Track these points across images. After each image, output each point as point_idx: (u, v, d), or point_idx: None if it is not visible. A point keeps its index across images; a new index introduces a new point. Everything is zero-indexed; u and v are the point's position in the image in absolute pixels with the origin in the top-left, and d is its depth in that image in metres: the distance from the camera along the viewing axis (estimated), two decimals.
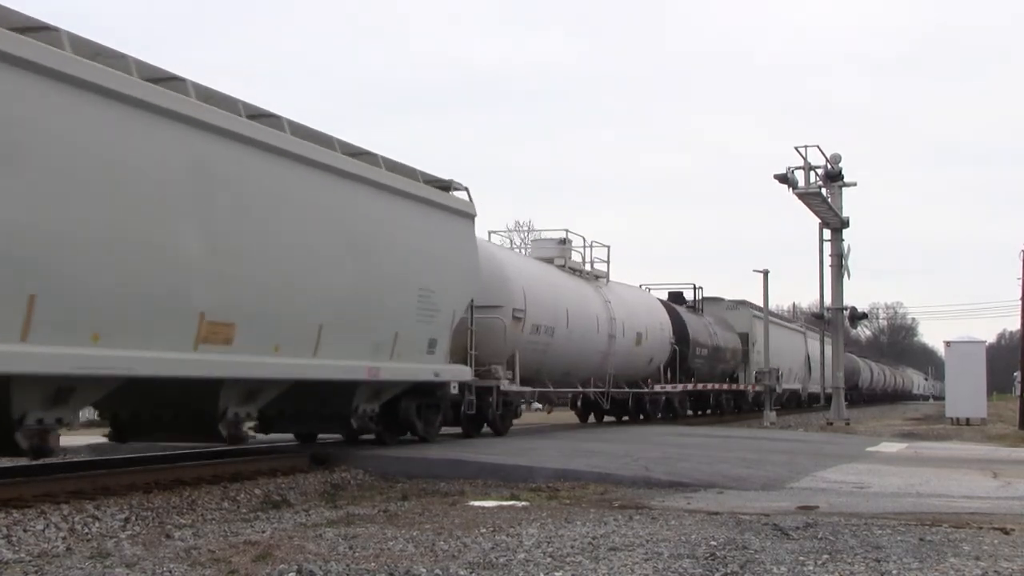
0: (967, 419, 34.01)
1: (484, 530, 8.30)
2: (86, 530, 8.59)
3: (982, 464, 15.87)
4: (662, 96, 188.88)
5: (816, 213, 33.94)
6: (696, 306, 34.95)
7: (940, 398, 72.66)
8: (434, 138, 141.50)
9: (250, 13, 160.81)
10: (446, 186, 16.41)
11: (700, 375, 32.74)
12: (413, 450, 14.92)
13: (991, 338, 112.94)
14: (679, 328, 30.61)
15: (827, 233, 34.82)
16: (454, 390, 16.52)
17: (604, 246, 26.38)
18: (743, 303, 39.94)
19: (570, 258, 24.48)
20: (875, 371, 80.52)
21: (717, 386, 35.27)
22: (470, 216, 16.95)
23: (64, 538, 8.19)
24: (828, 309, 35.37)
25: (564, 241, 24.57)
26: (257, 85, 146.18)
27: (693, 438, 20.11)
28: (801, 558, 7.04)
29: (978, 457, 17.86)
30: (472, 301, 17.23)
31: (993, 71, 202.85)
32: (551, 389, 22.43)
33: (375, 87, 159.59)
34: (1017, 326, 44.98)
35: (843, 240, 35.00)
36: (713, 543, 7.62)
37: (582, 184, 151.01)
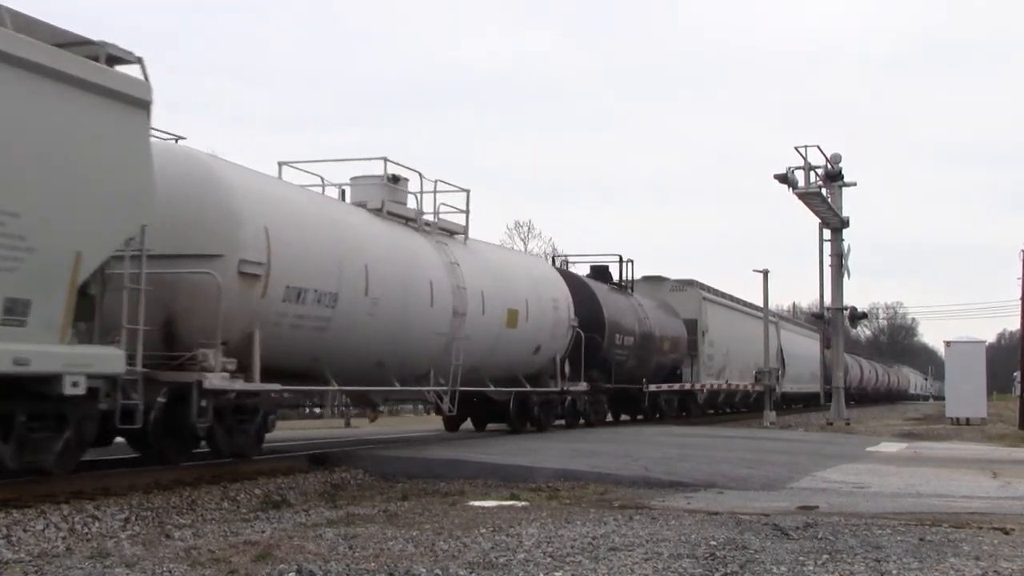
0: (967, 419, 34.02)
1: (484, 530, 8.30)
2: (86, 530, 8.59)
3: (982, 464, 15.87)
4: (662, 96, 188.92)
5: (816, 213, 33.93)
6: (624, 284, 28.33)
7: (940, 398, 72.61)
8: (434, 138, 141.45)
9: (244, 13, 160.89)
10: (95, 54, 10.35)
11: (623, 370, 26.30)
12: (413, 450, 14.92)
13: (991, 338, 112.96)
14: (590, 309, 23.59)
15: (827, 233, 34.81)
16: (75, 389, 9.72)
17: (462, 190, 18.75)
18: (691, 283, 33.50)
19: (398, 201, 16.92)
20: (866, 369, 75.90)
21: (656, 386, 28.88)
22: (139, 102, 10.51)
23: (64, 538, 8.19)
24: (828, 309, 35.36)
25: (395, 179, 16.86)
26: (256, 85, 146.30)
27: (693, 438, 20.11)
28: (801, 558, 7.04)
29: (978, 457, 17.87)
30: (139, 241, 10.69)
31: (993, 71, 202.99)
32: (335, 388, 14.58)
33: (374, 87, 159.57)
34: (1017, 326, 45.01)
35: (843, 240, 34.99)
36: (713, 543, 7.62)
37: (582, 184, 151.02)
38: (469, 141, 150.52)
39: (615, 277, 28.36)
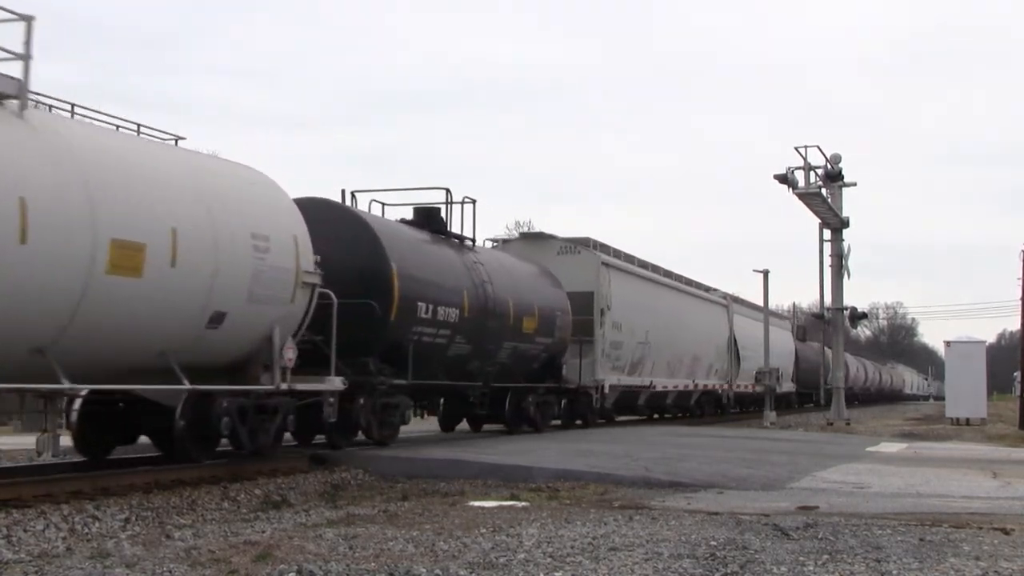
0: (967, 419, 34.03)
1: (484, 530, 8.29)
2: (86, 530, 8.59)
3: (982, 464, 15.87)
4: (662, 96, 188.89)
5: (816, 213, 33.93)
6: (461, 236, 19.12)
7: (940, 398, 72.44)
8: (433, 138, 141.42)
9: (248, 13, 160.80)
10: None
11: (440, 359, 17.29)
12: (413, 450, 14.91)
13: (991, 338, 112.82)
14: (366, 261, 15.43)
15: (827, 233, 34.81)
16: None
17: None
18: (584, 244, 24.48)
19: None
20: (853, 367, 66.61)
21: (512, 383, 19.81)
22: None
23: (64, 538, 8.19)
24: (828, 309, 35.36)
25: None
26: (256, 85, 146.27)
27: (693, 438, 20.10)
28: (801, 558, 7.04)
29: (978, 457, 17.86)
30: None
31: (994, 71, 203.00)
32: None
33: (375, 87, 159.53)
34: (1017, 326, 44.97)
35: (843, 240, 34.99)
36: (713, 543, 7.62)
37: (582, 184, 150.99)
38: (470, 140, 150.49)
39: (467, 232, 19.44)
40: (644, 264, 29.06)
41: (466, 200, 19.28)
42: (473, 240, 19.51)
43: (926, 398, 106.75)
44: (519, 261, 21.62)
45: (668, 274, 31.29)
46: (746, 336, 37.95)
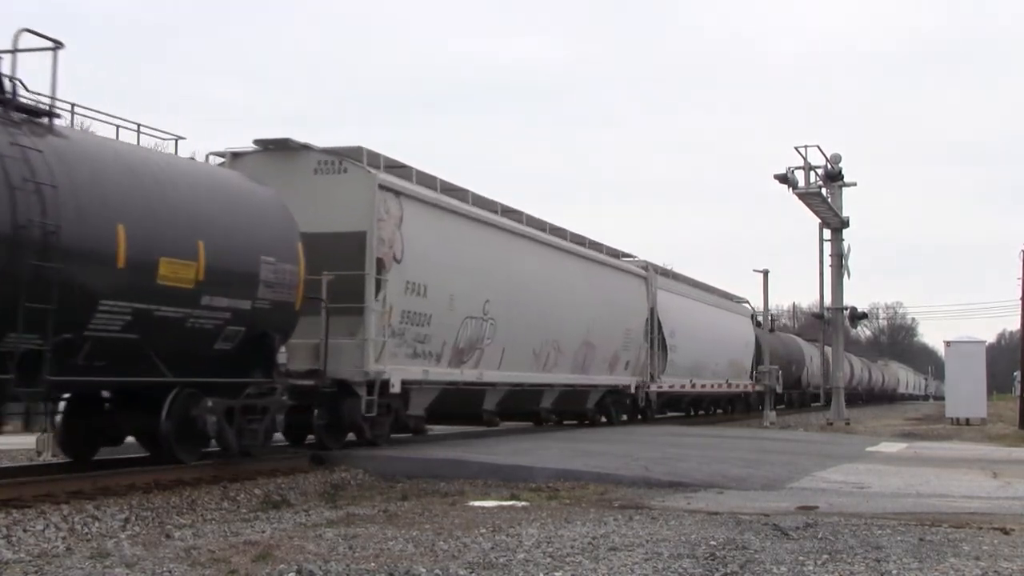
0: (967, 419, 34.02)
1: (484, 530, 8.30)
2: (86, 530, 8.58)
3: (982, 464, 15.87)
4: (662, 96, 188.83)
5: (816, 213, 33.94)
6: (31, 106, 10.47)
7: (939, 398, 72.30)
8: (434, 138, 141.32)
9: (252, 14, 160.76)
10: None
11: None
12: (413, 450, 14.91)
13: (991, 338, 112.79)
14: None
15: (827, 233, 34.83)
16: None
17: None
18: (353, 156, 15.55)
19: None
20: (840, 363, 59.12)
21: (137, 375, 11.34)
22: None
23: (64, 538, 8.18)
24: (828, 309, 35.38)
25: None
26: (257, 86, 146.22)
27: (693, 438, 20.10)
28: (801, 558, 7.04)
29: (978, 457, 17.86)
30: None
31: (994, 71, 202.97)
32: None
33: (375, 87, 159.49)
34: (1017, 326, 44.99)
35: (843, 240, 35.02)
36: (713, 543, 7.62)
37: (582, 184, 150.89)
38: (469, 141, 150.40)
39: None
40: (481, 200, 18.56)
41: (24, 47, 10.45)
42: (47, 114, 10.62)
43: (924, 398, 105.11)
44: (179, 165, 12.57)
45: (534, 222, 20.92)
46: (677, 320, 28.99)
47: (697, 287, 33.36)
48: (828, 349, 49.07)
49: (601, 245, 24.72)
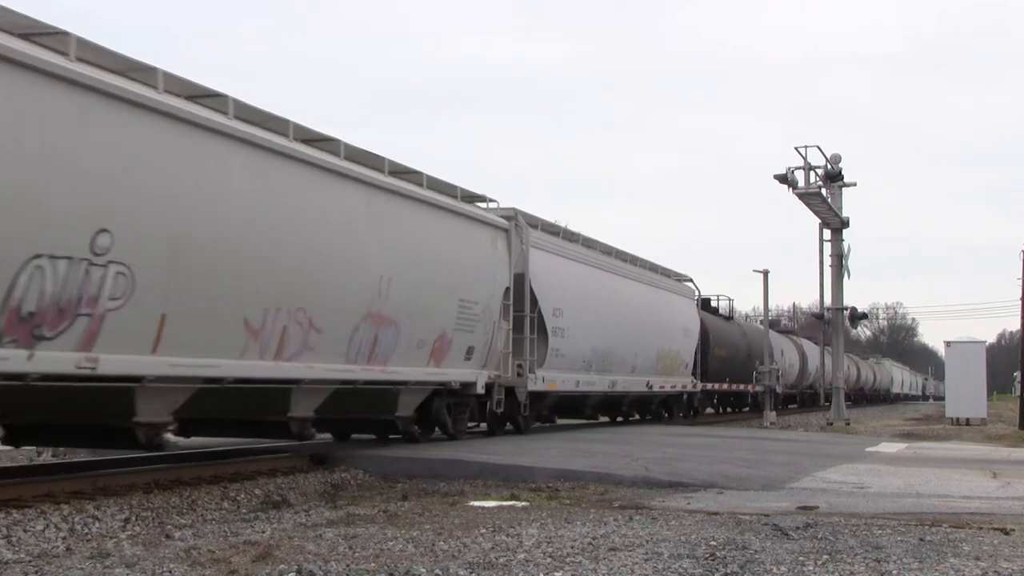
0: (967, 419, 34.04)
1: (484, 530, 8.30)
2: (86, 530, 8.58)
3: (982, 464, 15.87)
4: (662, 96, 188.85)
5: (816, 213, 33.96)
6: None
7: (939, 398, 72.19)
8: (434, 138, 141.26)
9: (243, 13, 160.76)
10: None
11: None
12: (413, 450, 14.91)
13: (991, 338, 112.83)
14: None
15: (827, 233, 34.85)
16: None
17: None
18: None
19: None
20: (812, 358, 49.26)
21: None
22: None
23: (64, 538, 8.18)
24: (828, 309, 35.39)
25: None
26: (261, 86, 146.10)
27: (693, 438, 20.09)
28: (801, 558, 7.04)
29: (978, 457, 17.86)
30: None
31: (994, 72, 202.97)
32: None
33: (374, 87, 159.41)
34: (1017, 326, 44.98)
35: (843, 240, 35.04)
36: (713, 543, 7.62)
37: (582, 184, 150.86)
38: (469, 140, 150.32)
39: None
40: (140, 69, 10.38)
41: None
42: None
43: (924, 398, 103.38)
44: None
45: (247, 111, 11.86)
46: (564, 294, 21.18)
47: (608, 254, 24.38)
48: (806, 343, 48.69)
49: (420, 173, 15.66)
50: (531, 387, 19.50)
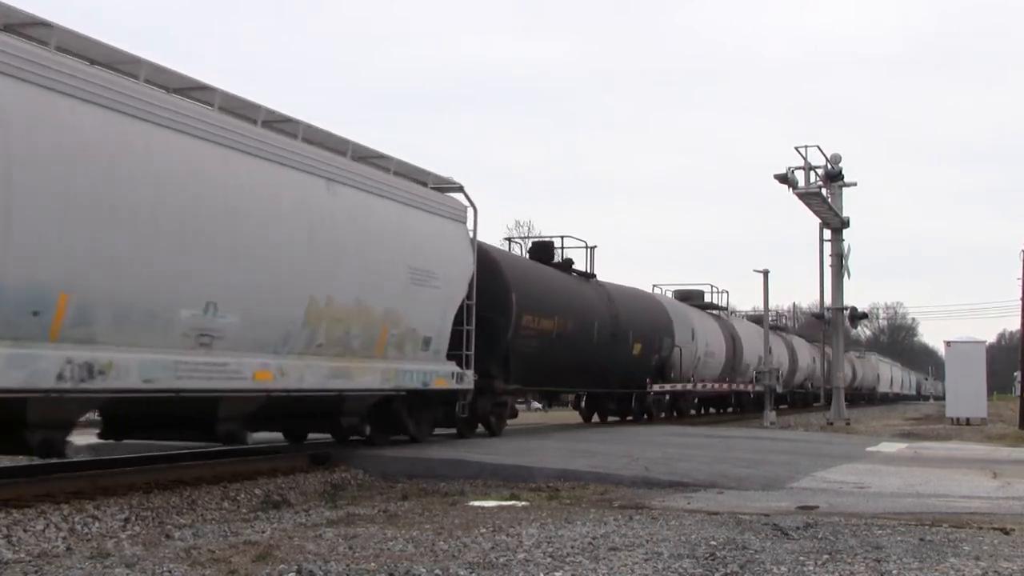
0: (967, 419, 34.02)
1: (484, 530, 8.30)
2: (86, 530, 8.58)
3: (982, 464, 15.87)
4: (662, 96, 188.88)
5: (816, 213, 33.92)
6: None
7: (940, 398, 72.14)
8: (434, 137, 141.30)
9: (241, 13, 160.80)
10: None
11: None
12: (413, 450, 14.91)
13: (991, 338, 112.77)
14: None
15: (827, 233, 34.80)
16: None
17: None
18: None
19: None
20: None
21: None
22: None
23: (64, 538, 8.18)
24: (828, 309, 35.36)
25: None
26: (261, 85, 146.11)
27: (693, 438, 20.09)
28: (801, 558, 7.04)
29: (978, 457, 17.86)
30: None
31: (994, 72, 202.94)
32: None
33: (374, 87, 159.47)
34: (1017, 326, 44.96)
35: (843, 240, 34.99)
36: (713, 543, 7.62)
37: (583, 185, 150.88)
38: (470, 140, 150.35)
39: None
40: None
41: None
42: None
43: (924, 399, 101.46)
44: None
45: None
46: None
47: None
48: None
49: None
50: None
